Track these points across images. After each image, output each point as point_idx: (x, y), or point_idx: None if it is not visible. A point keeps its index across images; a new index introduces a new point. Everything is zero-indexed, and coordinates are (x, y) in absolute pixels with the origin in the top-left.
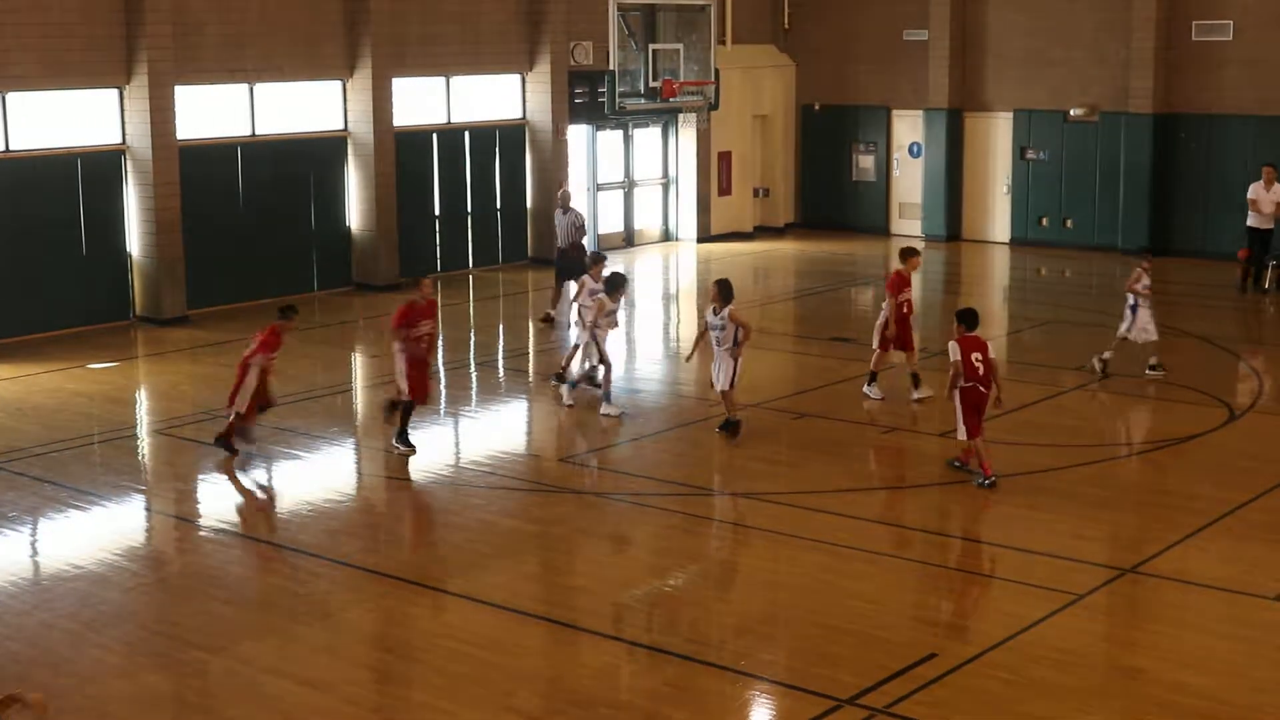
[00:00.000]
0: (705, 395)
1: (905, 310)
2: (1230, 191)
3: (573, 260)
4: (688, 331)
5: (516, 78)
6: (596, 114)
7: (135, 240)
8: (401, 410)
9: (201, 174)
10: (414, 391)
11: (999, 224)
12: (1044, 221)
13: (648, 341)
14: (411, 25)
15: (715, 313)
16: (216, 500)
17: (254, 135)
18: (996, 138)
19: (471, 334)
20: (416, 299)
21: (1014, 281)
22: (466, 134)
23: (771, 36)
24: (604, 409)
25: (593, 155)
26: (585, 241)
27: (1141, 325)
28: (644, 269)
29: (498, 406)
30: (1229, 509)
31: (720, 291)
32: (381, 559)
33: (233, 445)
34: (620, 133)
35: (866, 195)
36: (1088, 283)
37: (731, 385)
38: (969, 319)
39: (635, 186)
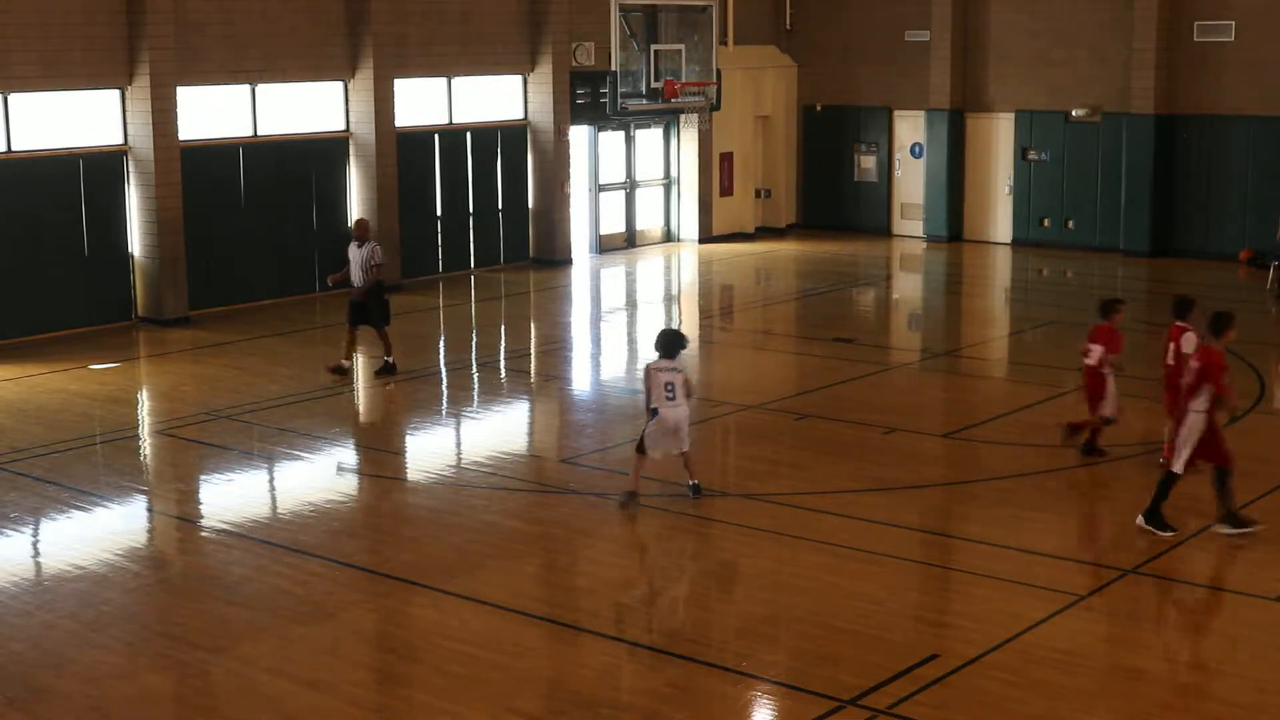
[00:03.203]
0: (707, 395)
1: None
2: (1232, 192)
3: (363, 304)
4: (689, 331)
5: (518, 78)
6: (598, 114)
7: (137, 241)
8: (1161, 482)
9: (203, 174)
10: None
11: (1000, 224)
12: (1045, 222)
13: (648, 341)
14: (413, 26)
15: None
16: (218, 500)
17: (256, 136)
18: (998, 138)
19: (473, 335)
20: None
21: (1015, 282)
22: (468, 135)
23: (773, 37)
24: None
25: (594, 156)
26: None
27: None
28: (645, 270)
29: (499, 407)
30: None
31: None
32: (382, 559)
33: (1096, 447)
34: (622, 133)
35: (868, 196)
36: (1089, 283)
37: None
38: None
39: (637, 187)
